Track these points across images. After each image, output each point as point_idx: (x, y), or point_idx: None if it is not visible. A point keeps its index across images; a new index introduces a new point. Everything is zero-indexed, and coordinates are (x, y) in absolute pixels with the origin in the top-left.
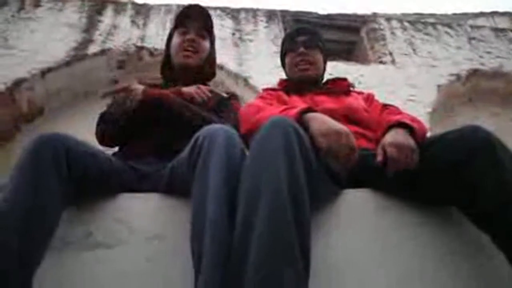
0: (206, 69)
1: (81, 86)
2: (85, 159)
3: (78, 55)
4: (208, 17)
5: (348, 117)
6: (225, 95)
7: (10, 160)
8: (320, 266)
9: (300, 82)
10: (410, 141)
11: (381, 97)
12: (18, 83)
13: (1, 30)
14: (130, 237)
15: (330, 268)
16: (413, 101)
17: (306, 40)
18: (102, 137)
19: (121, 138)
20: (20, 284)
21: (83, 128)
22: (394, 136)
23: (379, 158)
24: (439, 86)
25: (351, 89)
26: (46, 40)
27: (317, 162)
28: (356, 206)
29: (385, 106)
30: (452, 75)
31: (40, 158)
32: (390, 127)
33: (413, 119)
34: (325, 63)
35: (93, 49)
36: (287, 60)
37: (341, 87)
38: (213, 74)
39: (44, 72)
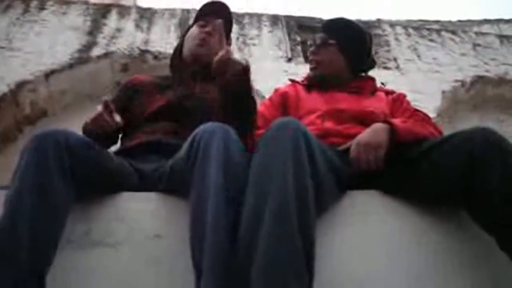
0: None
1: (84, 89)
2: (87, 153)
3: (82, 57)
4: (230, 15)
5: (358, 118)
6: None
7: (12, 162)
8: (323, 267)
9: (319, 80)
10: (379, 138)
11: None
12: (21, 85)
13: (6, 32)
14: (130, 236)
15: (334, 270)
16: (417, 107)
17: (318, 38)
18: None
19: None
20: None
21: None
22: (363, 134)
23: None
24: (443, 92)
25: (379, 88)
26: (50, 42)
27: (323, 164)
28: (362, 207)
29: (416, 111)
30: (456, 81)
31: (43, 155)
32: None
33: (421, 121)
34: (347, 58)
35: (97, 52)
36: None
37: (366, 86)
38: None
39: (47, 74)
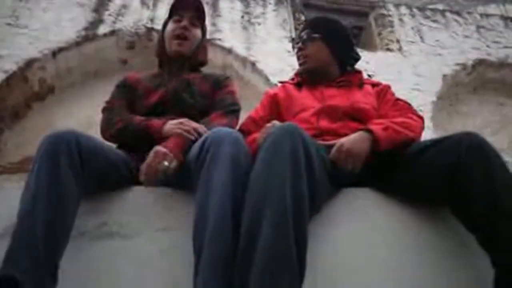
0: (198, 56)
1: (91, 66)
2: (96, 153)
3: (88, 35)
4: (201, 7)
5: (351, 114)
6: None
7: (23, 137)
8: (318, 264)
9: (307, 75)
10: (359, 148)
11: None
12: (29, 62)
13: (12, 8)
14: (142, 228)
15: (327, 266)
16: (418, 90)
17: (304, 34)
18: (105, 136)
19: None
20: (49, 276)
21: (92, 107)
22: (346, 140)
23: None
24: (444, 75)
25: (365, 80)
26: (57, 19)
27: (319, 165)
28: (355, 204)
29: (397, 101)
30: (458, 64)
31: (55, 156)
32: (358, 129)
33: (401, 125)
34: (333, 51)
35: (103, 29)
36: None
37: (354, 80)
38: (205, 62)
39: (55, 52)
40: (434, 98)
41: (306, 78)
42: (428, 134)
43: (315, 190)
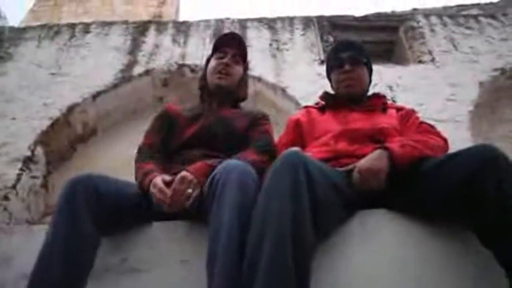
0: (238, 91)
1: (129, 106)
2: (115, 196)
3: (124, 77)
4: (243, 44)
5: (371, 136)
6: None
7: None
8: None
9: (342, 98)
10: (379, 165)
11: (420, 98)
12: (71, 108)
13: (55, 58)
14: (161, 262)
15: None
16: (454, 100)
17: (351, 56)
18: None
19: None
20: None
21: (133, 144)
22: (364, 160)
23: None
24: (481, 83)
25: (390, 104)
26: (96, 65)
27: (327, 189)
28: (371, 225)
29: (421, 124)
30: (495, 70)
31: (74, 198)
32: (374, 149)
33: (416, 143)
34: (370, 77)
35: (138, 70)
36: (332, 77)
37: (377, 104)
38: (245, 96)
39: (94, 96)
40: (471, 107)
41: (332, 102)
42: (466, 145)
43: (320, 214)
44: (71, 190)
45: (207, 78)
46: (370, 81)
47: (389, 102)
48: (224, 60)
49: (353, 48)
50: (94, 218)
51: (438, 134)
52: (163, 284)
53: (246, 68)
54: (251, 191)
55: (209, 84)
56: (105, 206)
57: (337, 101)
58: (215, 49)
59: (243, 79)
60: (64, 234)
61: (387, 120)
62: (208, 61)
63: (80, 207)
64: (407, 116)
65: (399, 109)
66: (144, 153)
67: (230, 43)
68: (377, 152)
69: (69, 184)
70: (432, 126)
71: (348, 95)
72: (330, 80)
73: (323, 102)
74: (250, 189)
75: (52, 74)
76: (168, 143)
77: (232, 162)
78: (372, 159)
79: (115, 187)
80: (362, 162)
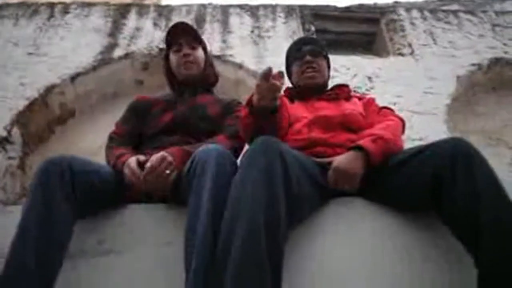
0: (207, 75)
1: (108, 88)
2: (89, 177)
3: (104, 59)
4: (192, 29)
5: (343, 124)
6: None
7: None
8: (305, 275)
9: (306, 89)
10: (355, 168)
11: (398, 90)
12: (50, 88)
13: (33, 38)
14: (138, 244)
15: (317, 272)
16: (432, 93)
17: (311, 49)
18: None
19: None
20: None
21: (111, 127)
22: (341, 161)
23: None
24: (458, 77)
25: (352, 94)
26: (75, 46)
27: (302, 178)
28: (343, 214)
29: (381, 108)
30: (473, 65)
31: (48, 179)
32: (350, 148)
33: (385, 132)
34: (329, 69)
35: (118, 52)
36: (294, 69)
37: (341, 93)
38: (216, 79)
39: (73, 77)
40: (449, 101)
41: (299, 92)
42: (442, 138)
43: (294, 202)
44: (45, 171)
45: (174, 72)
46: (329, 76)
47: (352, 91)
48: (183, 52)
49: (314, 43)
50: (69, 199)
51: (395, 115)
52: (140, 266)
53: (204, 48)
54: (229, 173)
55: (178, 76)
56: (80, 187)
57: (302, 92)
58: (169, 43)
59: (207, 61)
60: (38, 216)
61: (353, 107)
62: (166, 56)
63: (54, 188)
64: (368, 103)
65: (360, 98)
66: (115, 141)
67: (180, 32)
68: (352, 153)
69: (43, 165)
70: (390, 109)
71: (309, 85)
72: (289, 75)
73: (291, 92)
74: (228, 171)
75: (30, 53)
76: (141, 132)
77: (211, 146)
78: (349, 160)
79: (89, 168)
80: (338, 163)
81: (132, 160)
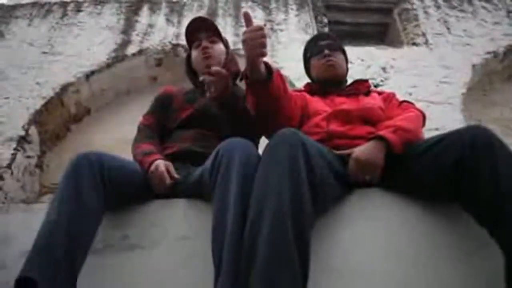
0: (229, 69)
1: (123, 85)
2: (118, 171)
3: (118, 56)
4: (212, 24)
5: (363, 118)
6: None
7: (63, 158)
8: (328, 264)
9: (326, 83)
10: (376, 158)
11: (413, 81)
12: (65, 87)
13: (47, 37)
14: (162, 238)
15: (338, 262)
16: (447, 82)
17: (329, 43)
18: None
19: None
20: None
21: (127, 123)
22: (362, 151)
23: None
24: (474, 65)
25: (372, 89)
26: (89, 44)
27: (324, 169)
28: (365, 204)
29: (402, 102)
30: (488, 53)
31: (79, 173)
32: (370, 139)
33: (405, 123)
34: (346, 63)
35: (131, 49)
36: (312, 63)
37: (361, 88)
38: (237, 72)
39: (88, 75)
40: (464, 90)
41: (319, 87)
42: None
43: (317, 193)
44: (75, 164)
45: (196, 69)
46: (347, 70)
47: (372, 87)
48: (203, 46)
49: (331, 38)
50: (99, 193)
51: (416, 108)
52: (164, 261)
53: (226, 44)
54: (254, 165)
55: (198, 73)
56: (108, 179)
57: (322, 88)
58: (190, 41)
59: (229, 55)
60: (69, 210)
61: (373, 101)
62: (188, 56)
63: (85, 181)
64: (388, 97)
65: (380, 93)
66: (143, 132)
67: (199, 29)
68: (373, 143)
69: (74, 160)
70: (410, 103)
71: (329, 77)
72: (307, 70)
73: (311, 87)
74: (253, 163)
75: (44, 53)
76: (164, 124)
77: (234, 139)
78: (370, 151)
79: (118, 163)
80: (358, 153)
81: (162, 164)
